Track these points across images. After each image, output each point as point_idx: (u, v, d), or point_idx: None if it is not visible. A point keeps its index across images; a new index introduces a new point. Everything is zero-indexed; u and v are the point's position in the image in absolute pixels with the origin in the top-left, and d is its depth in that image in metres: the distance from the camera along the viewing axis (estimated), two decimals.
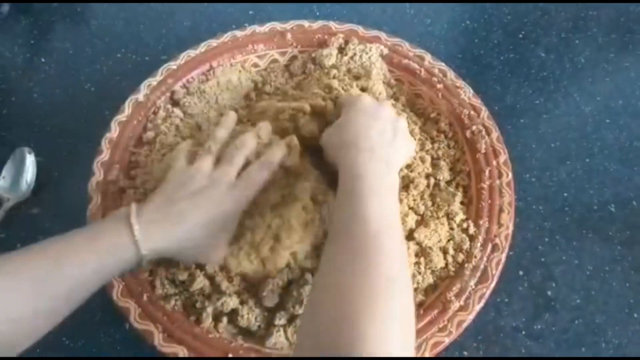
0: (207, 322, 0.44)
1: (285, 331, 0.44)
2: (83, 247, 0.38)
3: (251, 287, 0.46)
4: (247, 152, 0.45)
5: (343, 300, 0.34)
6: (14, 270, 0.36)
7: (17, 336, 0.36)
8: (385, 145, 0.44)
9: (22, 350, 0.37)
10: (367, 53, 0.58)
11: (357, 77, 0.56)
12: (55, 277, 0.36)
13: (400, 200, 0.48)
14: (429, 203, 0.50)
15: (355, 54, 0.58)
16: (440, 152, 0.53)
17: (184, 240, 0.41)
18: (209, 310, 0.44)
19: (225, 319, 0.44)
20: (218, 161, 0.44)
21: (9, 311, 0.35)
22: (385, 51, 0.58)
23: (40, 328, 0.38)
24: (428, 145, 0.54)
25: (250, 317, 0.44)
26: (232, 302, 0.44)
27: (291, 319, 0.44)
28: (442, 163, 0.52)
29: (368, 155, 0.42)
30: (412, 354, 0.34)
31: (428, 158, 0.52)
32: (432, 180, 0.51)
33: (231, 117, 0.49)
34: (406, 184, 0.50)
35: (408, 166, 0.51)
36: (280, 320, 0.44)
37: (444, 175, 0.52)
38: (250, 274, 0.45)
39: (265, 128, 0.47)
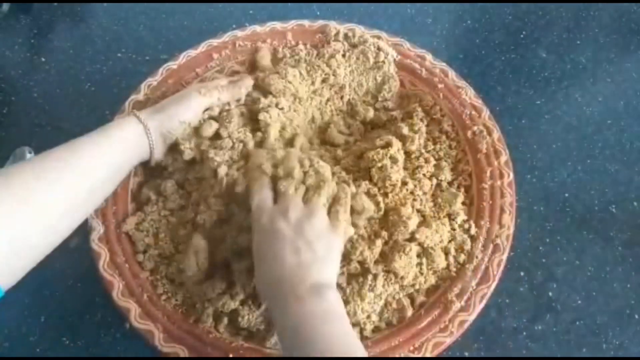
0: (208, 322, 0.44)
1: None
2: (101, 140, 0.44)
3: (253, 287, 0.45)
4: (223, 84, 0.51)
5: None
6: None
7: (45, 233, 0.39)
8: (301, 266, 0.39)
9: (51, 250, 0.40)
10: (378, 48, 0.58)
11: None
12: (76, 171, 0.41)
13: (404, 203, 0.48)
14: (431, 204, 0.50)
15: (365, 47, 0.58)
16: (441, 153, 0.53)
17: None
18: (209, 311, 0.44)
19: (225, 319, 0.44)
20: None
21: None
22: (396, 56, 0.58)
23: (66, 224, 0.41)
24: (430, 146, 0.53)
25: (251, 317, 0.44)
26: (232, 303, 0.44)
27: None
28: (444, 164, 0.52)
29: (287, 301, 0.37)
30: None
31: (432, 159, 0.52)
32: (434, 181, 0.51)
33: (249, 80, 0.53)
34: (411, 190, 0.49)
35: (413, 169, 0.51)
36: None
37: (446, 175, 0.51)
38: None
39: (248, 82, 0.53)
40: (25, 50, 0.68)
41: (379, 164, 0.48)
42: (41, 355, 0.48)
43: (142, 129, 0.46)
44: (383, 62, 0.57)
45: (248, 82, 0.53)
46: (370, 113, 0.56)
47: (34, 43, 0.69)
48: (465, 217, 0.50)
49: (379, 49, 0.57)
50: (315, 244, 0.39)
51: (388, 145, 0.50)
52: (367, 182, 0.48)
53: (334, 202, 0.44)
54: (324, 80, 0.55)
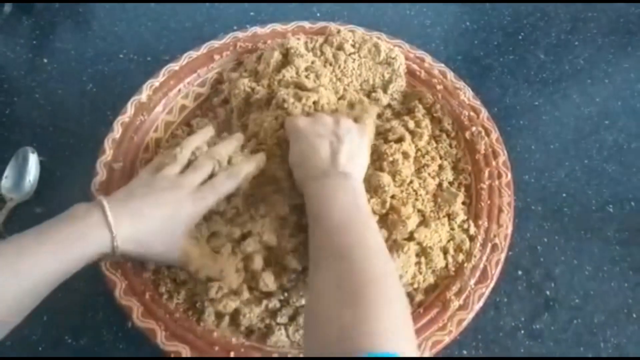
0: (209, 321, 0.44)
1: (286, 330, 0.44)
2: (50, 237, 0.38)
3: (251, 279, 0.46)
4: (215, 162, 0.46)
5: (337, 308, 0.34)
6: None
7: None
8: (336, 159, 0.45)
9: None
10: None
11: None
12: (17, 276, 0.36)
13: (405, 203, 0.48)
14: (432, 204, 0.50)
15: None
16: (442, 152, 0.54)
17: (146, 233, 0.41)
18: (211, 310, 0.44)
19: (227, 318, 0.45)
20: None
21: None
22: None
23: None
24: (433, 144, 0.54)
25: (252, 316, 0.44)
26: (233, 303, 0.44)
27: (292, 318, 0.45)
28: (445, 163, 0.53)
29: (318, 176, 0.44)
30: (415, 344, 0.35)
31: (437, 158, 0.52)
32: (437, 180, 0.51)
33: (208, 130, 0.51)
34: (415, 189, 0.50)
35: (418, 167, 0.51)
36: (281, 318, 0.44)
37: (448, 175, 0.52)
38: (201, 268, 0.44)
39: (237, 140, 0.50)
40: (27, 51, 0.68)
41: (391, 159, 0.49)
42: (43, 355, 0.49)
43: (109, 239, 0.39)
44: (394, 58, 0.56)
45: (251, 166, 0.47)
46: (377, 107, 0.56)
47: (36, 44, 0.69)
48: (465, 217, 0.50)
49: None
50: (347, 141, 0.46)
51: (401, 139, 0.50)
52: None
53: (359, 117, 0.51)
54: (332, 72, 0.55)
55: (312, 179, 0.44)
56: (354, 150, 0.46)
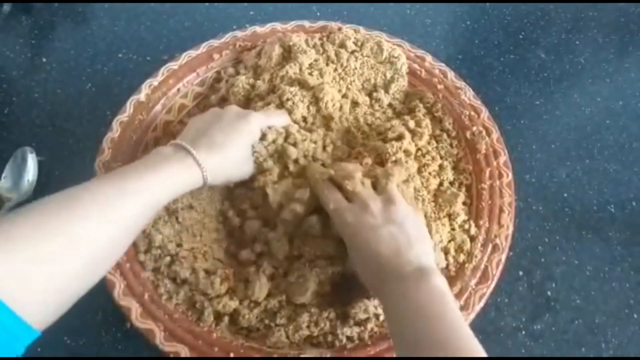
0: (209, 321, 0.44)
1: (286, 330, 0.44)
2: (149, 173, 0.39)
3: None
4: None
5: None
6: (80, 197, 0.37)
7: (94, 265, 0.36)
8: (402, 253, 0.39)
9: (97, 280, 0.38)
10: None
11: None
12: (122, 204, 0.37)
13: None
14: (432, 204, 0.50)
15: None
16: (443, 152, 0.53)
17: (228, 161, 0.45)
18: (210, 310, 0.44)
19: (226, 319, 0.44)
20: None
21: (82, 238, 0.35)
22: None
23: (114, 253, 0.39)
24: (433, 144, 0.54)
25: (251, 317, 0.44)
26: (233, 303, 0.44)
27: (292, 318, 0.44)
28: (446, 163, 0.52)
29: (391, 280, 0.39)
30: None
31: (438, 158, 0.52)
32: (437, 180, 0.51)
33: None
34: (418, 188, 0.50)
35: (420, 166, 0.51)
36: (281, 319, 0.44)
37: (448, 175, 0.52)
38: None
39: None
40: (26, 51, 0.68)
41: (393, 158, 0.48)
42: (42, 355, 0.48)
43: (199, 173, 0.42)
44: (397, 58, 0.56)
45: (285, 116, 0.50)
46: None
47: (35, 43, 0.69)
48: (466, 217, 0.50)
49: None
50: (406, 226, 0.41)
51: (400, 137, 0.50)
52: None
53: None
54: (335, 70, 0.55)
55: (385, 283, 0.39)
56: (417, 234, 0.41)
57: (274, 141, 0.48)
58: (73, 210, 0.35)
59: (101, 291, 0.45)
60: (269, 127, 0.48)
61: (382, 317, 0.45)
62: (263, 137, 0.48)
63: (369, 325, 0.44)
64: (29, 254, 0.32)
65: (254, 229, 0.48)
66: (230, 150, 0.45)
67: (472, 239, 0.48)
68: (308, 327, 0.44)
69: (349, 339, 0.44)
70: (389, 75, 0.56)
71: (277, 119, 0.49)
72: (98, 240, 0.36)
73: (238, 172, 0.47)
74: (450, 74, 0.58)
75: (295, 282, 0.45)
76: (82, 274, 0.35)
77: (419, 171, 0.51)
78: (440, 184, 0.51)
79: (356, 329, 0.44)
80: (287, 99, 0.50)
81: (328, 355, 0.43)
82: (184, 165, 0.41)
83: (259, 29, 0.60)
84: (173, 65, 0.57)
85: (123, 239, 0.38)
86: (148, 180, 0.39)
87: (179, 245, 0.47)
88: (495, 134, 0.54)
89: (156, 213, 0.42)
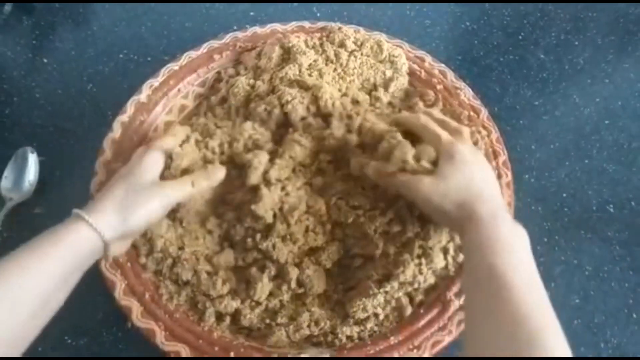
0: (210, 321, 0.44)
1: (286, 330, 0.44)
2: (47, 250, 0.38)
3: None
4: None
5: None
6: None
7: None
8: (498, 197, 0.42)
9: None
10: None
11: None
12: (26, 286, 0.36)
13: None
14: None
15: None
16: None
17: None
18: (211, 310, 0.44)
19: (227, 319, 0.45)
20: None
21: None
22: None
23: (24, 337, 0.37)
24: None
25: (252, 316, 0.44)
26: (234, 303, 0.44)
27: (292, 318, 0.45)
28: None
29: (495, 207, 0.40)
30: None
31: None
32: None
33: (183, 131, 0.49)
34: None
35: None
36: (282, 319, 0.44)
37: None
38: None
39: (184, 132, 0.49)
40: (27, 51, 0.69)
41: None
42: (43, 355, 0.49)
43: (95, 236, 0.39)
44: (397, 57, 0.56)
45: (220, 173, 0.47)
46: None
47: (36, 44, 0.69)
48: None
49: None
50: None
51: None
52: None
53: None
54: (334, 70, 0.55)
55: (482, 220, 0.39)
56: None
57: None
58: None
59: (102, 291, 0.46)
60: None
61: (381, 317, 0.45)
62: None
63: (369, 325, 0.45)
64: None
65: (240, 234, 0.47)
66: (123, 200, 0.41)
67: None
68: (309, 326, 0.44)
69: (349, 338, 0.44)
70: (388, 74, 0.56)
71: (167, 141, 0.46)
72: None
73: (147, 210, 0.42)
74: (450, 75, 0.58)
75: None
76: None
77: None
78: None
79: (356, 329, 0.44)
80: (287, 101, 0.50)
81: (328, 355, 0.43)
82: (78, 233, 0.39)
83: (259, 29, 0.60)
84: (174, 65, 0.57)
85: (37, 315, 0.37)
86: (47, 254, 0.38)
87: (181, 248, 0.47)
88: (495, 134, 0.54)
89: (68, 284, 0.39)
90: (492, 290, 0.36)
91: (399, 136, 0.45)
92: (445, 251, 0.48)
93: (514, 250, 0.38)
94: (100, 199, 0.42)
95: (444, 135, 0.44)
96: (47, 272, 0.37)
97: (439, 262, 0.47)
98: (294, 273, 0.45)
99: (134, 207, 0.41)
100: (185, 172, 0.46)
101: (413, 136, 0.45)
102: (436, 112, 0.48)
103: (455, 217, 0.41)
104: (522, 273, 0.37)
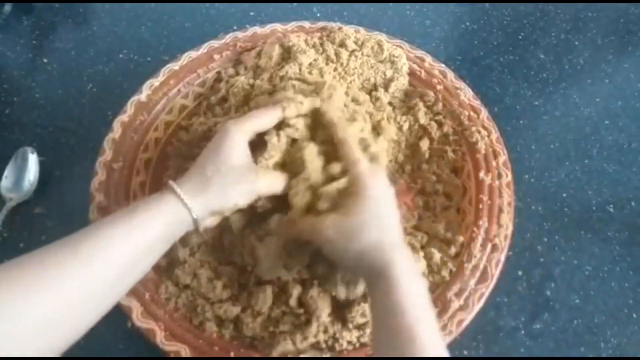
0: (211, 330, 0.44)
1: (292, 338, 0.43)
2: (142, 219, 0.38)
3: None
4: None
5: None
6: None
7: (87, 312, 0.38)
8: (398, 227, 0.40)
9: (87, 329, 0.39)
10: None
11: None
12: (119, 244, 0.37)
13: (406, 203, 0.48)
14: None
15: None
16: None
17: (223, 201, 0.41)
18: (210, 315, 0.44)
19: (230, 326, 0.44)
20: None
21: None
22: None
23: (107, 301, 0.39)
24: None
25: (255, 325, 0.44)
26: (235, 309, 0.44)
27: (296, 325, 0.44)
28: (443, 162, 0.53)
29: (396, 250, 0.39)
30: None
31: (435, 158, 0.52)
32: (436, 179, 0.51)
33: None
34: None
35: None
36: (284, 326, 0.43)
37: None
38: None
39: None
40: (27, 51, 0.69)
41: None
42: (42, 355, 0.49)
43: (184, 212, 0.39)
44: (398, 57, 0.56)
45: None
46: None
47: (36, 44, 0.69)
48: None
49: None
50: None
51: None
52: None
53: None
54: (335, 69, 0.55)
55: (385, 251, 0.38)
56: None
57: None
58: (63, 267, 0.36)
59: None
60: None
61: None
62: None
63: (368, 330, 0.44)
64: (27, 324, 0.33)
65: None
66: (213, 178, 0.40)
67: (472, 238, 0.48)
68: (315, 335, 0.43)
69: (350, 343, 0.44)
70: (389, 74, 0.56)
71: (262, 120, 0.44)
72: (88, 299, 0.37)
73: (235, 194, 0.42)
74: (450, 75, 0.58)
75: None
76: (76, 333, 0.38)
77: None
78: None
79: (355, 333, 0.44)
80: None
81: (327, 355, 0.43)
82: (169, 205, 0.39)
83: (259, 29, 0.61)
84: (174, 65, 0.57)
85: (115, 285, 0.39)
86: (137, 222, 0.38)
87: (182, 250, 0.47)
88: (495, 134, 0.54)
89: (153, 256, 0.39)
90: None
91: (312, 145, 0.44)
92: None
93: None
94: (191, 177, 0.41)
95: (364, 163, 0.41)
96: (135, 239, 0.37)
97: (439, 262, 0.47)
98: (296, 291, 0.44)
99: (225, 188, 0.41)
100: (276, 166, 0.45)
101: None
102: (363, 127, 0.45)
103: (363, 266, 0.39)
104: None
